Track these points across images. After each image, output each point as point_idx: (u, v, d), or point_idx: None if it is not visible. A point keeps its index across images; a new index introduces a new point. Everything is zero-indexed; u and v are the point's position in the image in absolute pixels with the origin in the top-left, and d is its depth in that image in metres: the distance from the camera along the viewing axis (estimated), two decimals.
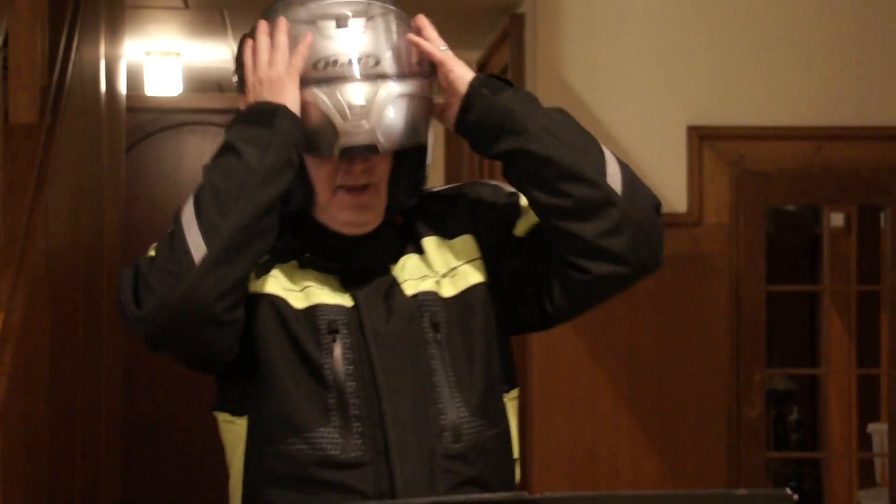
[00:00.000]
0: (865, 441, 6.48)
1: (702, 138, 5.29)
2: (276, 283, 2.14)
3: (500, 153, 2.18)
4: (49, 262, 3.69)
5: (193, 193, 2.06)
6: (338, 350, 2.11)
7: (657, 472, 5.25)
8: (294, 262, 2.18)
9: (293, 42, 2.12)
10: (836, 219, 6.46)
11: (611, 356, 5.24)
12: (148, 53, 7.36)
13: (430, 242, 2.22)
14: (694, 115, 5.31)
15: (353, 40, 2.12)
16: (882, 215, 5.48)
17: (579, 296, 2.20)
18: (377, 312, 2.14)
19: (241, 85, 2.20)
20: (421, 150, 2.24)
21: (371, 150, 2.12)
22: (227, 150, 2.08)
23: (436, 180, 8.02)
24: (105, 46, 4.88)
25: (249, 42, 2.18)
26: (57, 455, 3.85)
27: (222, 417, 2.20)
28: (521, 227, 2.24)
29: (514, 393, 2.28)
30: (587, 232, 2.12)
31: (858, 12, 5.35)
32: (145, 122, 7.99)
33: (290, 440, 2.11)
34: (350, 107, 2.09)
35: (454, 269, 2.20)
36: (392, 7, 2.20)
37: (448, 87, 2.20)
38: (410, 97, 2.14)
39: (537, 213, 2.18)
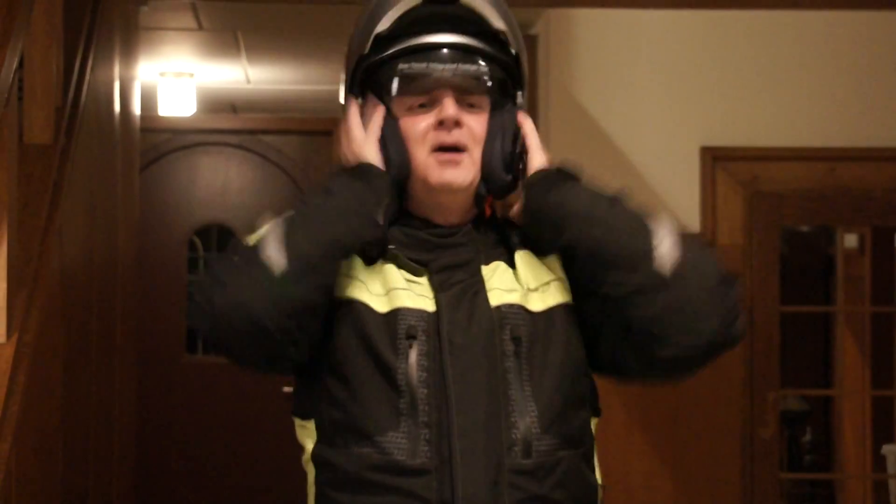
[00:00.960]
0: (880, 462, 6.46)
1: (715, 159, 5.29)
2: (363, 288, 2.16)
3: (556, 249, 2.21)
4: (63, 281, 3.70)
5: (281, 217, 2.12)
6: (413, 356, 2.11)
7: (670, 492, 5.24)
8: (382, 262, 2.19)
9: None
10: (850, 240, 6.46)
11: None
12: (162, 74, 7.38)
13: (521, 256, 2.22)
14: (707, 136, 5.31)
15: None
16: None
17: (655, 371, 2.20)
18: (457, 320, 2.14)
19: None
20: (514, 125, 2.29)
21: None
22: (323, 190, 2.17)
23: None
24: (119, 67, 4.90)
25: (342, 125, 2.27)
26: (71, 470, 3.86)
27: (296, 422, 2.23)
28: None
29: (595, 422, 2.27)
30: (643, 319, 2.12)
31: (872, 34, 5.35)
32: (159, 142, 8.02)
33: (358, 443, 2.12)
34: None
35: (544, 284, 2.19)
36: None
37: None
38: None
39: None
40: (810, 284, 7.10)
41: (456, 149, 2.19)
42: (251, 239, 2.14)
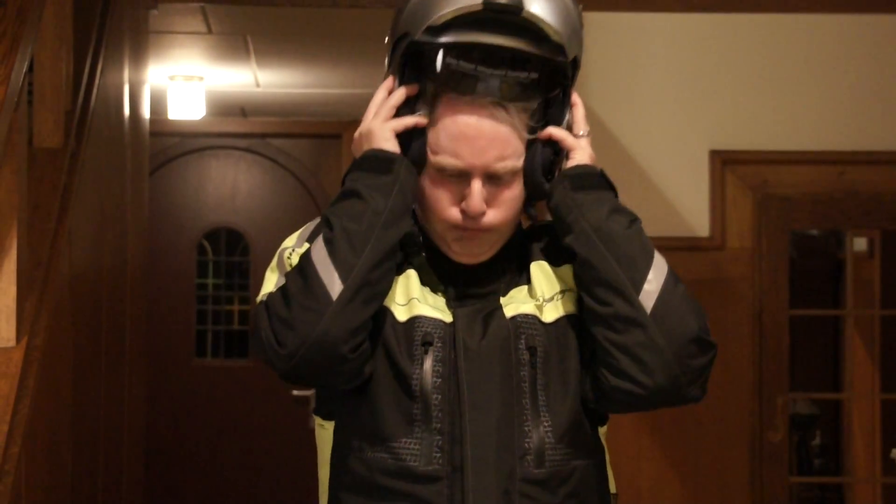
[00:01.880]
0: (889, 466, 6.45)
1: (724, 163, 5.29)
2: (388, 296, 2.16)
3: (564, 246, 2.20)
4: (72, 285, 3.70)
5: (322, 236, 2.11)
6: (428, 362, 2.12)
7: (679, 496, 5.24)
8: (407, 266, 2.19)
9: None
10: (860, 243, 6.45)
11: None
12: (171, 78, 7.39)
13: (537, 267, 2.21)
14: (716, 140, 5.31)
15: None
16: None
17: (602, 395, 2.17)
18: (473, 330, 2.14)
19: None
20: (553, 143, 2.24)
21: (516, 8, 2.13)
22: (351, 194, 2.13)
23: None
24: (129, 71, 4.91)
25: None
26: (80, 474, 3.87)
27: (317, 421, 2.24)
28: None
29: (604, 429, 2.27)
30: (610, 342, 2.11)
31: (881, 38, 5.34)
32: (169, 145, 8.03)
33: (372, 447, 2.13)
34: None
35: (558, 293, 2.19)
36: None
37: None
38: None
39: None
40: (819, 288, 7.09)
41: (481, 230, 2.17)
42: (292, 259, 2.15)
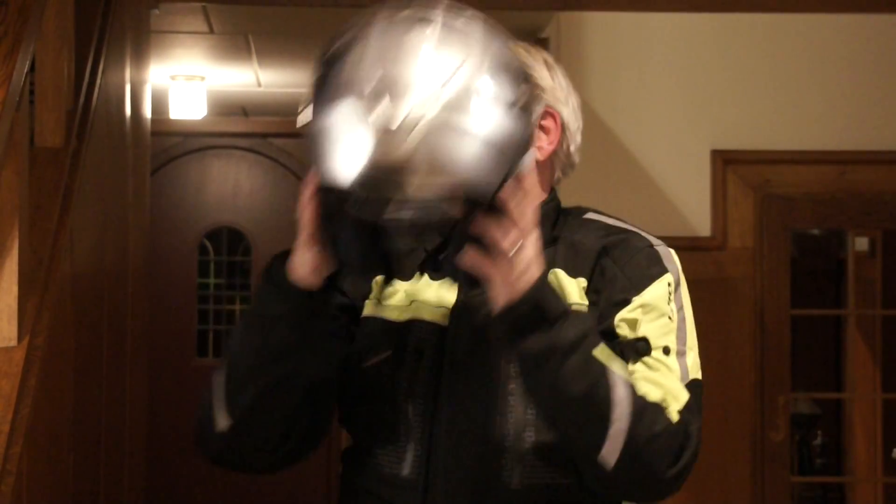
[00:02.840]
0: (890, 465, 6.45)
1: (726, 162, 5.29)
2: (382, 300, 2.15)
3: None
4: (74, 284, 3.70)
5: (224, 359, 2.05)
6: (417, 371, 2.10)
7: (681, 495, 5.22)
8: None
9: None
10: (861, 243, 6.45)
11: None
12: (173, 78, 7.39)
13: (552, 275, 2.11)
14: (718, 140, 5.31)
15: None
16: None
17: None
18: (465, 337, 2.09)
19: None
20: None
21: None
22: (248, 319, 2.04)
23: None
24: (130, 71, 4.91)
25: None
26: (81, 474, 3.87)
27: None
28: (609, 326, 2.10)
29: None
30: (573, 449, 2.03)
31: (882, 37, 5.34)
32: (170, 145, 8.03)
33: (363, 453, 2.14)
34: None
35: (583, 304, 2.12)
36: None
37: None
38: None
39: None
40: (821, 288, 7.09)
41: None
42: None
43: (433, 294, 2.13)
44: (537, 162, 2.20)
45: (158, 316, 7.61)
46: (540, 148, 2.20)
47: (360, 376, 2.12)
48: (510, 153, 1.81)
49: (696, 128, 5.31)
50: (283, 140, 8.21)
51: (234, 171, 8.22)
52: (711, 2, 5.29)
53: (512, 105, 1.82)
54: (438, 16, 1.82)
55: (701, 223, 5.29)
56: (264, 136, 8.23)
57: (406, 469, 2.09)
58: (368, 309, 2.16)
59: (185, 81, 7.44)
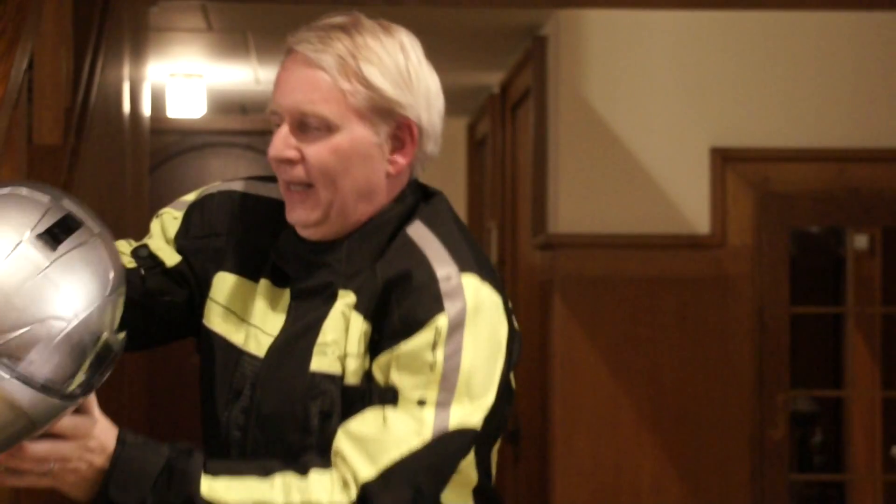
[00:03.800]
0: (890, 463, 6.45)
1: (725, 160, 5.28)
2: (228, 316, 2.13)
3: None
4: None
5: None
6: (233, 410, 2.11)
7: (680, 493, 5.23)
8: (259, 283, 2.13)
9: None
10: (860, 241, 6.44)
11: (633, 378, 5.24)
12: (171, 75, 7.38)
13: (351, 303, 2.05)
14: (717, 137, 5.30)
15: None
16: None
17: None
18: (275, 380, 2.05)
19: None
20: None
21: None
22: None
23: (457, 203, 7.93)
24: (129, 68, 4.90)
25: None
26: None
27: None
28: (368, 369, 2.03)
29: (459, 493, 2.07)
30: None
31: (883, 35, 5.34)
32: (169, 143, 8.02)
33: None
34: None
35: (361, 353, 2.02)
36: None
37: None
38: None
39: None
40: (820, 285, 7.08)
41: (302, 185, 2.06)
42: (162, 218, 2.26)
43: (260, 309, 2.11)
44: (387, 173, 2.08)
45: None
46: (393, 162, 2.07)
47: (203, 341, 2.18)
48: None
49: (696, 125, 5.31)
50: None
51: (232, 168, 8.20)
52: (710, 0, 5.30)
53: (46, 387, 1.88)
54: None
55: (700, 221, 5.28)
56: (263, 133, 8.21)
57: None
58: (217, 319, 2.16)
59: (184, 79, 7.43)
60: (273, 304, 2.11)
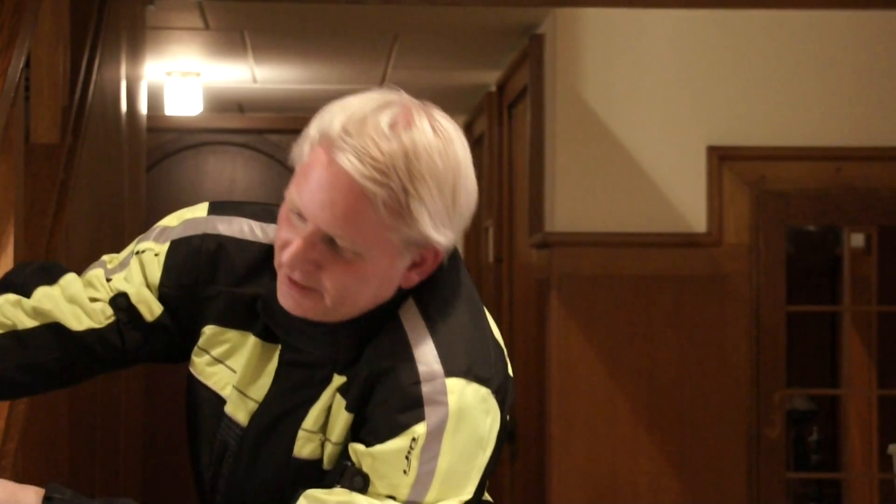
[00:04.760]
0: (886, 462, 6.45)
1: (721, 159, 5.29)
2: (221, 371, 2.07)
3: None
4: None
5: None
6: (218, 475, 2.09)
7: (676, 492, 5.24)
8: (247, 339, 2.06)
9: None
10: (857, 239, 6.45)
11: (630, 376, 5.24)
12: (168, 74, 7.38)
13: (341, 386, 1.99)
14: (714, 136, 5.31)
15: None
16: None
17: None
18: (257, 460, 2.02)
19: None
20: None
21: None
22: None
23: None
24: (126, 67, 4.90)
25: None
26: (77, 473, 3.86)
27: None
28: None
29: None
30: None
31: (878, 33, 5.34)
32: (165, 141, 8.01)
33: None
34: None
35: (340, 441, 1.98)
36: None
37: None
38: None
39: None
40: (817, 284, 7.09)
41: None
42: (143, 257, 2.10)
43: (249, 368, 2.05)
44: (399, 285, 1.97)
45: None
46: (408, 278, 1.95)
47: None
48: None
49: (692, 124, 5.31)
50: (278, 136, 8.19)
51: (229, 167, 8.20)
52: None
53: None
54: None
55: (697, 219, 5.29)
56: (260, 132, 8.21)
57: None
58: (211, 374, 2.09)
59: (181, 77, 7.43)
60: (261, 363, 2.03)
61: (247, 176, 8.25)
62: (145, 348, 2.09)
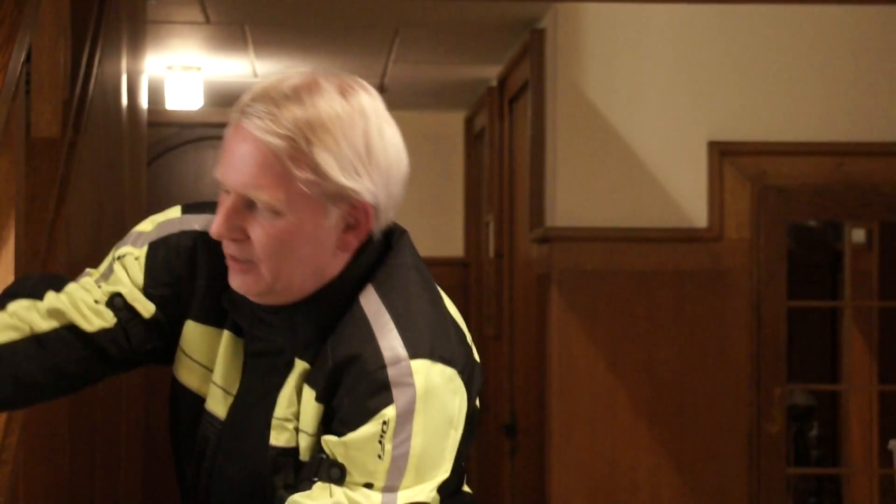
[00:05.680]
0: (886, 457, 6.46)
1: (722, 154, 5.29)
2: (199, 372, 2.10)
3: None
4: (70, 276, 3.69)
5: None
6: (200, 470, 2.11)
7: (677, 487, 5.24)
8: (223, 334, 2.09)
9: None
10: (858, 234, 6.45)
11: (630, 371, 5.24)
12: (169, 68, 7.38)
13: (305, 373, 2.01)
14: (715, 131, 5.30)
15: None
16: None
17: None
18: (236, 451, 2.05)
19: None
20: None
21: None
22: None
23: (454, 196, 7.92)
24: (127, 61, 4.90)
25: None
26: (77, 469, 3.86)
27: None
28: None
29: None
30: None
31: (880, 29, 5.34)
32: (166, 136, 8.02)
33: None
34: None
35: (313, 432, 1.99)
36: None
37: None
38: None
39: None
40: (817, 279, 7.09)
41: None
42: (125, 261, 2.14)
43: (224, 364, 2.08)
44: (337, 251, 1.99)
45: None
46: (344, 242, 1.99)
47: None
48: None
49: (693, 119, 5.31)
50: None
51: None
52: None
53: None
54: None
55: (697, 214, 5.28)
56: None
57: None
58: (190, 374, 2.13)
59: (182, 72, 7.43)
60: (233, 357, 2.07)
61: None
62: (147, 346, 2.11)
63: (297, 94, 1.94)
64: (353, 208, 1.95)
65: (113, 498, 4.66)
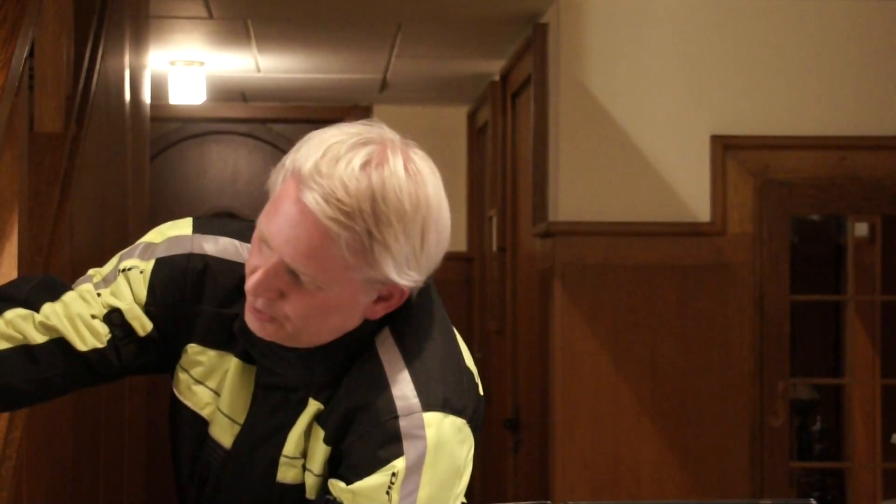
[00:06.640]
0: (889, 451, 6.45)
1: (725, 147, 5.28)
2: (203, 393, 2.09)
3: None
4: (73, 270, 3.70)
5: None
6: (202, 496, 2.11)
7: (680, 481, 5.24)
8: (229, 360, 2.08)
9: None
10: (861, 228, 6.44)
11: (633, 365, 5.24)
12: (172, 63, 7.38)
13: (318, 413, 2.01)
14: (717, 125, 5.30)
15: None
16: None
17: None
18: (241, 485, 2.05)
19: None
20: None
21: None
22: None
23: (457, 191, 7.93)
24: (129, 56, 4.90)
25: None
26: (81, 468, 3.87)
27: None
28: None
29: None
30: None
31: (884, 22, 5.34)
32: (169, 130, 8.02)
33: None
34: None
35: (320, 472, 2.00)
36: None
37: None
38: None
39: None
40: (820, 273, 7.09)
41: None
42: (130, 275, 2.12)
43: (231, 389, 2.07)
44: (365, 317, 1.98)
45: None
46: (373, 312, 1.98)
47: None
48: None
49: (696, 113, 5.31)
50: (282, 125, 8.20)
51: (233, 156, 8.21)
52: None
53: None
54: None
55: (700, 209, 5.28)
56: (263, 121, 8.22)
57: None
58: (192, 396, 2.12)
59: (185, 67, 7.43)
60: (242, 384, 2.05)
61: (250, 165, 8.26)
62: (138, 361, 2.10)
63: (367, 174, 1.87)
64: (392, 286, 1.94)
65: (117, 492, 4.66)
